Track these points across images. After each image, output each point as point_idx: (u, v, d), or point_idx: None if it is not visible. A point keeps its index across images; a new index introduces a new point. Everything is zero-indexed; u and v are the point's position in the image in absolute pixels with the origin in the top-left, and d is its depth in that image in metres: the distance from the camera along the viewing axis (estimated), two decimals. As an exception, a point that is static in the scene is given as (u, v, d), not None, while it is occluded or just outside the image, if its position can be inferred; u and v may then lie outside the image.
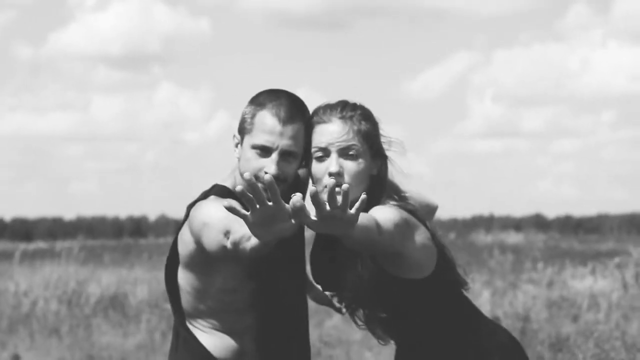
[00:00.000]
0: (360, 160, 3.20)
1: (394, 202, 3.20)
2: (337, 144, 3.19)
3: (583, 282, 13.96)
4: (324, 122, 3.22)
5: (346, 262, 3.21)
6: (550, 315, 11.12)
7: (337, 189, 2.69)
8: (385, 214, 3.05)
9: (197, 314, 3.34)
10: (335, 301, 3.62)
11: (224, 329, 3.33)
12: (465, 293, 3.39)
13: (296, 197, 2.56)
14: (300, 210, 2.55)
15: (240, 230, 2.84)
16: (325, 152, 3.20)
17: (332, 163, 3.18)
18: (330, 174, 3.16)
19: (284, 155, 3.21)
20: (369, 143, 3.23)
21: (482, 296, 11.92)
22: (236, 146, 3.32)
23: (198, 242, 3.17)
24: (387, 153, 3.30)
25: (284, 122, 3.20)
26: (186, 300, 3.34)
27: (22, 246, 20.74)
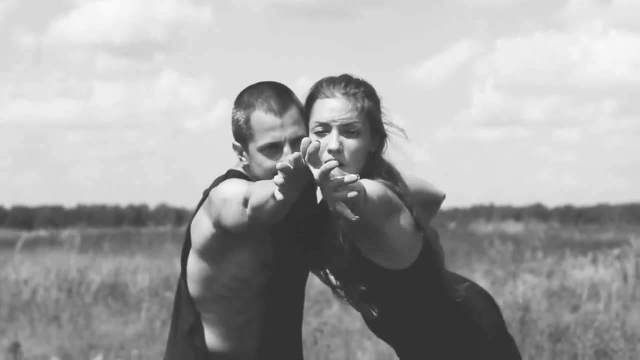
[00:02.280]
0: (361, 138, 3.15)
1: (383, 181, 3.15)
2: (340, 120, 3.14)
3: (583, 272, 13.96)
4: (327, 96, 3.18)
5: (330, 233, 3.18)
6: (550, 305, 11.12)
7: (333, 170, 2.67)
8: (371, 186, 2.99)
9: (202, 302, 3.32)
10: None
11: (224, 320, 3.31)
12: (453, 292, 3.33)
13: (312, 142, 2.63)
14: (315, 154, 2.61)
15: (259, 193, 2.87)
16: (326, 128, 3.15)
17: (333, 140, 3.13)
18: (330, 151, 3.12)
19: (294, 143, 3.17)
20: (371, 121, 3.18)
21: (482, 285, 11.92)
22: (240, 154, 3.27)
23: (217, 224, 3.14)
24: (387, 132, 3.26)
25: (280, 112, 3.17)
26: (193, 287, 3.31)
27: (23, 234, 20.73)
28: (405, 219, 3.14)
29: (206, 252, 3.24)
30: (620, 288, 11.88)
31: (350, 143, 3.14)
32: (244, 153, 3.25)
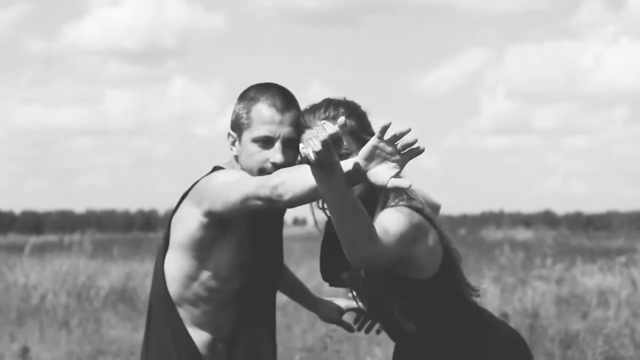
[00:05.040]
0: (352, 158, 3.17)
1: (403, 202, 3.16)
2: None
3: (592, 279, 13.94)
4: (309, 127, 3.22)
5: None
6: (560, 312, 11.11)
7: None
8: (390, 223, 3.02)
9: (180, 302, 3.32)
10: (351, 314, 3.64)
11: (202, 321, 3.32)
12: (469, 295, 3.35)
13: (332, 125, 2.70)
14: (337, 134, 2.68)
15: (281, 175, 2.96)
16: None
17: None
18: None
19: (286, 142, 3.24)
20: (358, 140, 3.20)
21: (491, 292, 11.90)
22: (232, 144, 3.33)
23: (209, 213, 3.17)
24: None
25: (282, 110, 3.24)
26: (172, 287, 3.31)
27: (32, 239, 20.77)
28: (431, 237, 3.18)
29: (189, 247, 3.25)
30: (630, 295, 11.86)
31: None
32: (236, 143, 3.31)
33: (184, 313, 3.33)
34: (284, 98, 3.27)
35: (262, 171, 3.21)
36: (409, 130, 2.73)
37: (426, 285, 3.21)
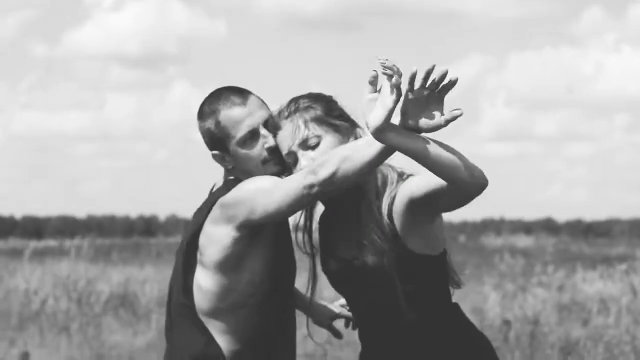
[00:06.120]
0: (324, 142, 3.18)
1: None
2: (295, 144, 3.19)
3: (593, 286, 13.93)
4: (279, 129, 3.23)
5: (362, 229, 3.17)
6: (561, 319, 11.10)
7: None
8: (429, 177, 3.02)
9: (213, 314, 3.30)
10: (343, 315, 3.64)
11: (234, 329, 3.30)
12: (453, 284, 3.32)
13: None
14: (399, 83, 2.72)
15: (319, 160, 2.98)
16: (292, 157, 3.20)
17: (302, 162, 3.17)
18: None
19: (266, 125, 3.25)
20: (326, 123, 3.20)
21: (492, 299, 11.90)
22: (223, 160, 3.30)
23: (245, 225, 3.15)
24: (356, 121, 3.25)
25: (243, 102, 3.25)
26: (205, 302, 3.28)
27: (33, 244, 20.79)
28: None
29: (226, 264, 3.22)
30: (631, 303, 11.85)
31: (318, 151, 3.17)
32: (227, 158, 3.29)
33: (216, 324, 3.30)
34: (237, 92, 3.27)
35: (265, 162, 3.22)
36: (433, 67, 2.74)
37: (435, 264, 3.19)
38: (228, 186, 3.26)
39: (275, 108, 3.31)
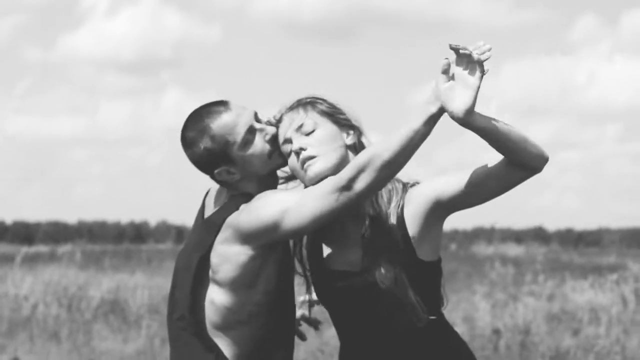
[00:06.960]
0: (320, 129, 3.18)
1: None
2: (291, 130, 3.19)
3: (584, 295, 13.94)
4: (280, 122, 3.25)
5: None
6: (551, 329, 11.10)
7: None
8: (447, 177, 3.17)
9: (225, 327, 3.26)
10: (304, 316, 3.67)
11: (247, 337, 3.27)
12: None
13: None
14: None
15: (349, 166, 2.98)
16: (288, 144, 3.20)
17: (294, 144, 3.16)
18: (296, 152, 3.16)
19: (259, 120, 3.25)
20: (327, 115, 3.21)
21: (482, 308, 11.90)
22: (229, 173, 3.24)
23: (264, 244, 3.13)
24: (355, 123, 3.25)
25: (226, 108, 3.21)
26: (217, 316, 3.25)
27: (23, 249, 20.71)
28: None
29: (241, 280, 3.19)
30: (621, 312, 11.87)
31: (310, 138, 3.17)
32: (232, 169, 3.23)
33: (228, 335, 3.26)
34: (213, 104, 3.23)
35: (270, 155, 3.21)
36: (461, 47, 2.85)
37: (435, 270, 3.20)
38: (236, 204, 3.21)
39: (273, 112, 3.31)
